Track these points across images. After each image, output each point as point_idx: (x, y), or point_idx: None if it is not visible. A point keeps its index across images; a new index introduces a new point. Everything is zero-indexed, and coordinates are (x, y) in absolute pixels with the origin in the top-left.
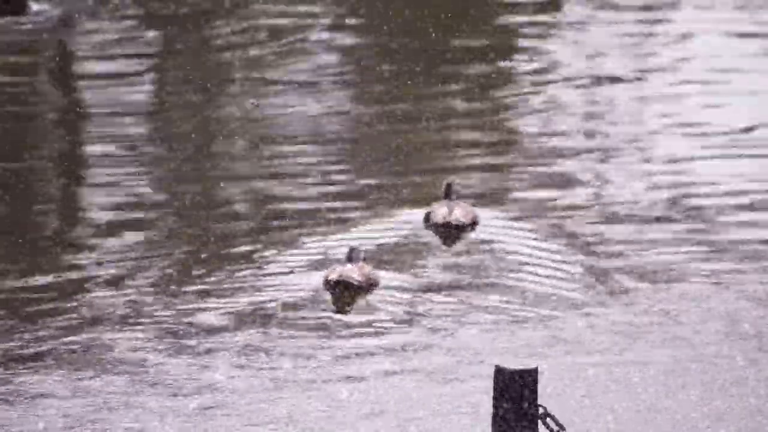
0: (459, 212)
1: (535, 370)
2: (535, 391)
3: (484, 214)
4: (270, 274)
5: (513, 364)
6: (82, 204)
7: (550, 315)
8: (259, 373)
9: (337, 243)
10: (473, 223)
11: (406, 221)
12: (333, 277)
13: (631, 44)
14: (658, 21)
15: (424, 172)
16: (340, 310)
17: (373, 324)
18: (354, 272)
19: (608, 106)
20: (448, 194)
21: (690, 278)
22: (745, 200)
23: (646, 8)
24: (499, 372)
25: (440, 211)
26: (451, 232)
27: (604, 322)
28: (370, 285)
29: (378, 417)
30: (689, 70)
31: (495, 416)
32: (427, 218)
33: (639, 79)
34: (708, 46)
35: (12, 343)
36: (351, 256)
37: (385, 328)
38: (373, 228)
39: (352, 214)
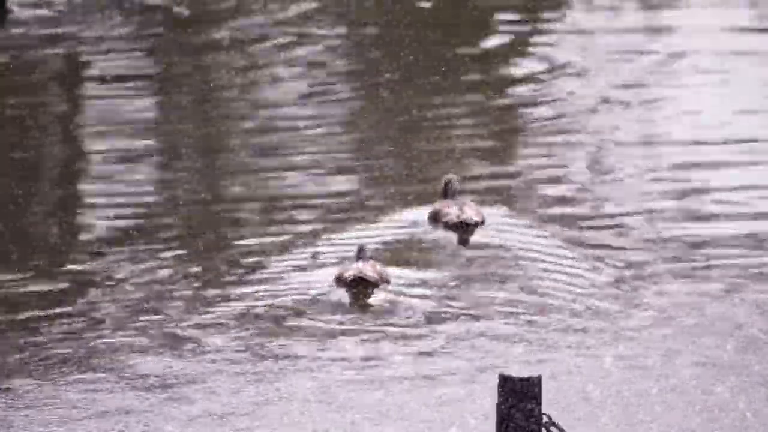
0: (470, 211)
1: (539, 379)
2: (539, 399)
3: (486, 210)
4: (280, 274)
5: (518, 372)
6: (84, 208)
7: (560, 317)
8: (269, 376)
9: (343, 242)
10: (482, 221)
11: (409, 219)
12: (349, 274)
13: (639, 50)
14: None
15: (421, 170)
16: (355, 308)
17: (386, 323)
18: (368, 270)
19: (612, 108)
20: (447, 191)
21: (694, 282)
22: (753, 211)
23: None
24: (504, 380)
25: (451, 210)
26: (461, 231)
27: (612, 325)
28: (383, 282)
29: (386, 418)
30: (694, 77)
31: (499, 424)
32: (435, 217)
33: (645, 85)
34: (714, 60)
35: (10, 347)
36: (360, 255)
37: (398, 327)
38: (377, 226)
39: (355, 214)
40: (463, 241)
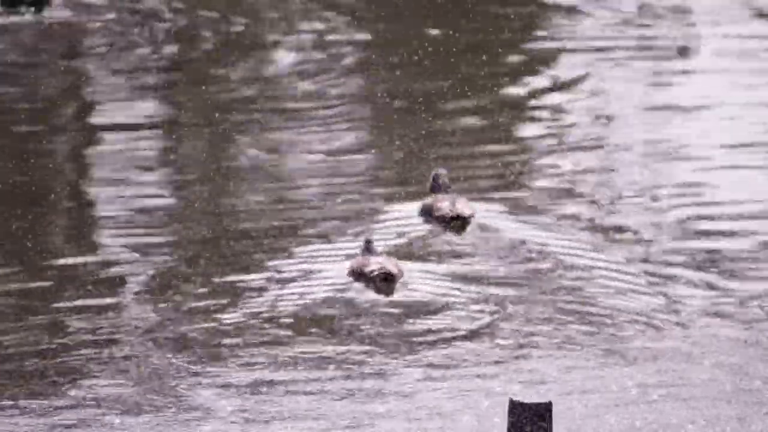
0: (461, 205)
1: (549, 404)
2: (549, 425)
3: (476, 205)
4: (291, 275)
5: (527, 397)
6: (93, 214)
7: (571, 324)
8: (297, 383)
9: (343, 240)
10: (473, 215)
11: (402, 215)
12: (372, 269)
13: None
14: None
15: (414, 168)
16: (383, 304)
17: (408, 316)
18: (389, 264)
19: (616, 109)
20: (436, 186)
21: (708, 287)
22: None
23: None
24: (514, 405)
25: (444, 204)
26: (455, 224)
27: (625, 333)
28: (401, 276)
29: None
30: (705, 76)
31: None
32: (427, 211)
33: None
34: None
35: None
36: (369, 249)
37: (419, 321)
38: (372, 223)
39: (351, 212)
40: (460, 235)
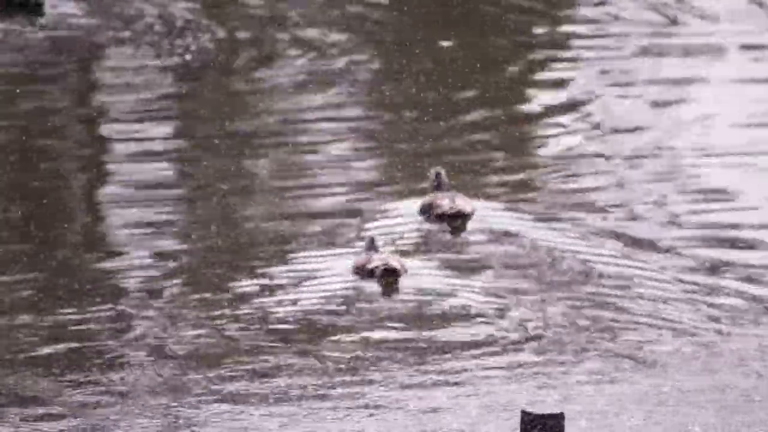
0: (461, 202)
1: (561, 415)
2: None
3: (475, 203)
4: (291, 276)
5: (540, 408)
6: (104, 215)
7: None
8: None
9: (341, 239)
10: (473, 212)
11: (403, 213)
12: (376, 265)
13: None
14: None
15: (410, 167)
16: (389, 300)
17: (417, 316)
18: (393, 260)
19: (621, 110)
20: (438, 184)
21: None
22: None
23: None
24: (526, 417)
25: (444, 202)
26: (454, 221)
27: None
28: (404, 272)
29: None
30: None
31: None
32: (427, 209)
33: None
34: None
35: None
36: (372, 246)
37: (429, 322)
38: (375, 222)
39: (350, 210)
40: (460, 232)
